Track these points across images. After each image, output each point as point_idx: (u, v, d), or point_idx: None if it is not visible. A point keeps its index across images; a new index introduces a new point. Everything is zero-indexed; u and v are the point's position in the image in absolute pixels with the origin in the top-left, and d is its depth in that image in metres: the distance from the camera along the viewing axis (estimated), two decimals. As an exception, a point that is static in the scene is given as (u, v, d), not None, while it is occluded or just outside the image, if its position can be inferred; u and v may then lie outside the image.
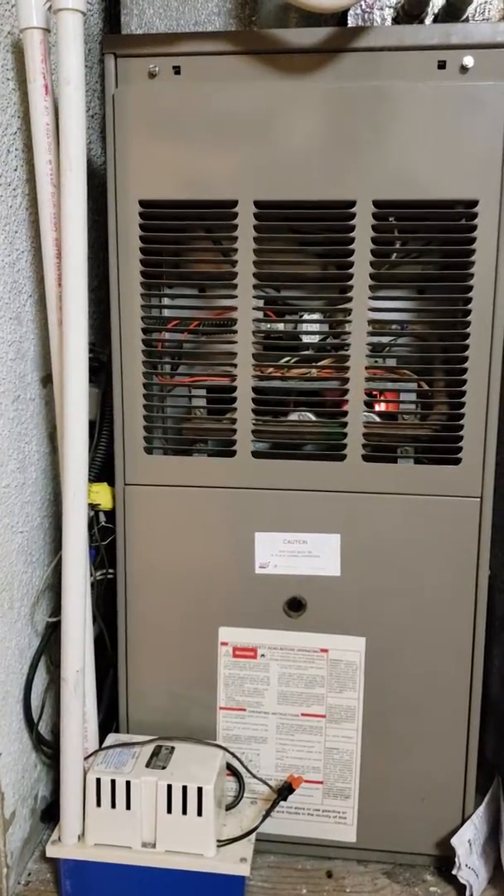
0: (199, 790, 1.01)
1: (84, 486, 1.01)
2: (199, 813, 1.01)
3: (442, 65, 0.97)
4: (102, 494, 1.12)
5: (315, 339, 1.07)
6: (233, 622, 1.11)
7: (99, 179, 1.18)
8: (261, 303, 1.04)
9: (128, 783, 1.03)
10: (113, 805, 1.03)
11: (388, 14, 1.03)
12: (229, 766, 1.12)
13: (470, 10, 1.01)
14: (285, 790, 1.09)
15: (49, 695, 1.17)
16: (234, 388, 1.05)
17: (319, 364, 1.06)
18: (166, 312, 1.10)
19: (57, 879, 1.08)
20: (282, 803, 1.10)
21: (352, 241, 0.99)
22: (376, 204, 0.99)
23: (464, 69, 0.96)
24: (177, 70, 1.01)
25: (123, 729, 1.16)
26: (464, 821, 1.10)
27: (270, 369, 1.06)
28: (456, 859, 1.06)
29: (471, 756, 1.09)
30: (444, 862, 1.11)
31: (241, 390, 1.05)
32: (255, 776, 1.12)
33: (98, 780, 1.03)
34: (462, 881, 1.06)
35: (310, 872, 1.13)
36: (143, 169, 1.02)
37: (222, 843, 1.04)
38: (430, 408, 1.06)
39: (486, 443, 1.02)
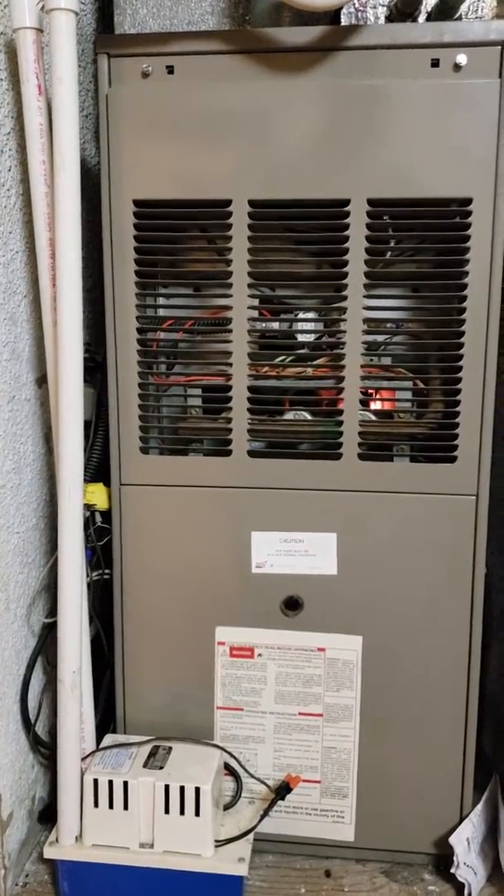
0: (197, 790, 1.01)
1: (79, 486, 1.01)
2: (197, 813, 1.01)
3: (435, 63, 0.96)
4: (98, 495, 1.12)
5: (310, 337, 1.07)
6: (229, 622, 1.11)
7: (93, 180, 1.18)
8: (256, 302, 1.04)
9: (125, 784, 1.02)
10: (110, 806, 1.03)
11: (382, 12, 1.03)
12: (227, 766, 1.12)
13: (463, 8, 1.01)
14: (283, 790, 1.08)
15: (46, 696, 1.17)
16: (229, 388, 1.05)
17: (315, 363, 1.06)
18: (161, 312, 1.10)
19: (55, 880, 1.08)
20: (280, 803, 1.10)
21: (346, 239, 0.99)
22: (370, 202, 0.99)
23: (457, 67, 0.96)
24: (170, 70, 1.01)
25: (121, 729, 1.16)
26: (462, 819, 1.10)
27: (266, 368, 1.06)
28: (454, 858, 1.06)
29: (468, 754, 1.09)
30: (442, 860, 1.11)
31: (237, 389, 1.05)
32: (252, 776, 1.12)
33: (95, 781, 1.03)
34: (460, 880, 1.06)
35: (308, 872, 1.13)
36: (137, 168, 1.02)
37: (220, 843, 1.03)
38: (426, 406, 1.06)
39: (482, 441, 1.02)
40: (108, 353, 1.08)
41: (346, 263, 1.00)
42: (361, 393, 1.03)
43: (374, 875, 1.12)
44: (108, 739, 1.12)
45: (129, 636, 1.14)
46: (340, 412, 1.04)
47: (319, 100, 0.98)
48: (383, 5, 1.02)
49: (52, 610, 1.13)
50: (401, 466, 1.05)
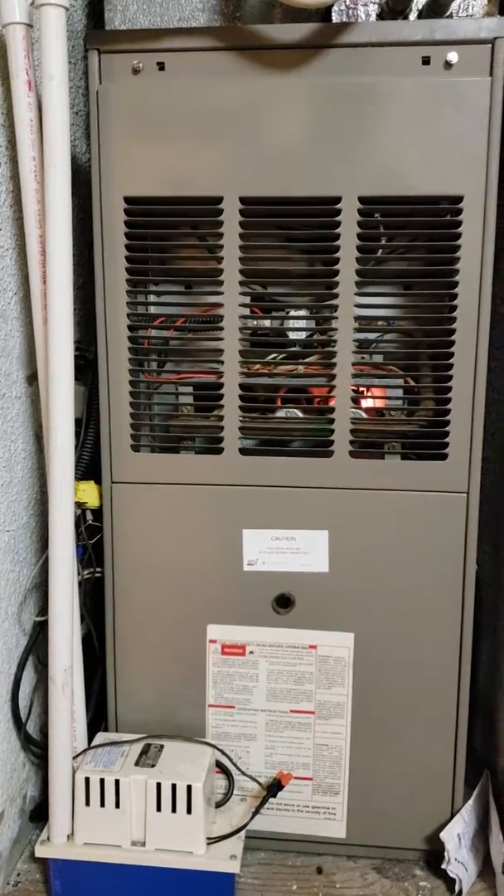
0: (189, 788, 1.01)
1: (70, 483, 1.01)
2: (189, 811, 1.01)
3: (426, 60, 0.97)
4: (89, 492, 1.12)
5: (302, 335, 1.07)
6: (221, 619, 1.11)
7: (84, 177, 1.17)
8: (247, 299, 1.04)
9: (117, 782, 1.02)
10: (102, 804, 1.03)
11: (373, 10, 1.03)
12: (219, 764, 1.12)
13: (453, 6, 1.01)
14: (275, 787, 1.09)
15: (37, 694, 1.17)
16: (220, 385, 1.05)
17: (306, 360, 1.06)
18: (152, 309, 1.10)
19: (46, 879, 1.08)
20: (271, 800, 1.10)
21: (337, 237, 0.99)
22: (362, 200, 0.98)
23: (448, 65, 0.96)
24: (161, 66, 1.01)
25: (112, 728, 1.16)
26: (453, 815, 1.10)
27: (257, 366, 1.06)
28: (445, 853, 1.06)
29: (459, 750, 1.09)
30: (433, 856, 1.11)
31: (228, 387, 1.05)
32: (244, 773, 1.12)
33: (87, 779, 1.03)
34: (451, 875, 1.06)
35: (300, 869, 1.13)
36: (128, 165, 1.02)
37: (212, 841, 1.04)
38: (417, 403, 1.06)
39: (473, 438, 1.02)
40: (99, 351, 1.07)
41: (337, 261, 1.00)
42: (353, 390, 1.03)
43: (366, 871, 1.12)
44: (100, 737, 1.12)
45: (121, 634, 1.13)
46: (332, 410, 1.04)
47: (310, 97, 0.98)
48: (374, 3, 1.02)
49: (44, 608, 1.13)
50: (392, 464, 1.05)
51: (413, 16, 1.03)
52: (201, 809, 1.01)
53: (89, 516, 1.13)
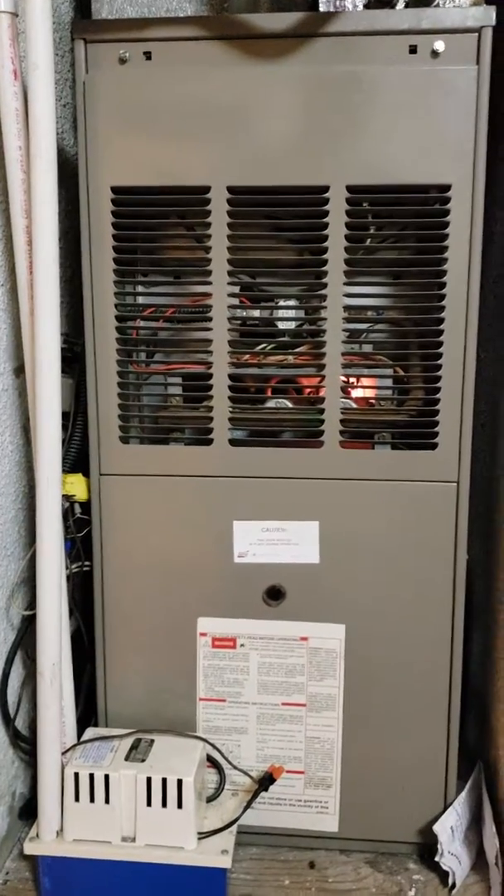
0: (179, 782, 1.00)
1: (58, 476, 1.00)
2: (180, 805, 1.00)
3: (413, 49, 0.96)
4: (77, 485, 1.11)
5: (291, 325, 1.07)
6: (211, 612, 1.10)
7: (72, 169, 1.17)
8: (236, 289, 1.04)
9: (106, 777, 1.01)
10: (92, 799, 1.02)
11: (360, 0, 1.03)
12: (210, 758, 1.11)
13: (440, -4, 1.01)
14: (266, 781, 1.08)
15: (26, 690, 1.16)
16: (210, 376, 1.05)
17: (296, 351, 1.06)
18: (140, 300, 1.09)
19: (36, 877, 1.07)
20: (263, 794, 1.09)
21: (326, 226, 0.99)
22: (350, 189, 0.98)
23: (435, 54, 0.96)
24: (148, 56, 1.00)
25: (102, 723, 1.15)
26: (446, 807, 1.09)
27: (247, 356, 1.06)
28: (438, 846, 1.06)
29: (452, 742, 1.09)
30: (426, 849, 1.10)
31: (218, 378, 1.04)
32: (235, 767, 1.12)
33: (76, 775, 1.02)
34: (445, 868, 1.05)
35: (292, 863, 1.12)
36: (115, 155, 1.01)
37: (203, 836, 1.03)
38: (407, 393, 1.06)
39: (462, 427, 1.02)
40: (87, 342, 1.07)
41: (325, 251, 1.00)
42: (342, 381, 1.03)
43: (359, 866, 1.12)
44: (90, 733, 1.11)
45: (110, 628, 1.12)
46: (321, 400, 1.03)
47: (298, 86, 0.98)
48: (361, -8, 1.03)
49: (32, 602, 1.11)
50: (382, 454, 1.05)
51: (400, 5, 1.03)
52: (192, 804, 1.00)
53: (78, 509, 1.12)
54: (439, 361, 1.01)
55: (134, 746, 1.07)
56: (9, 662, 1.09)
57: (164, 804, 1.01)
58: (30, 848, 1.04)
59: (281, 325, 1.07)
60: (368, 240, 1.04)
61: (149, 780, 1.01)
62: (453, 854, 1.06)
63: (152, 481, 1.08)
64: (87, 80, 1.01)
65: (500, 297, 1.11)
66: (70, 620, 1.11)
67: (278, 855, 1.13)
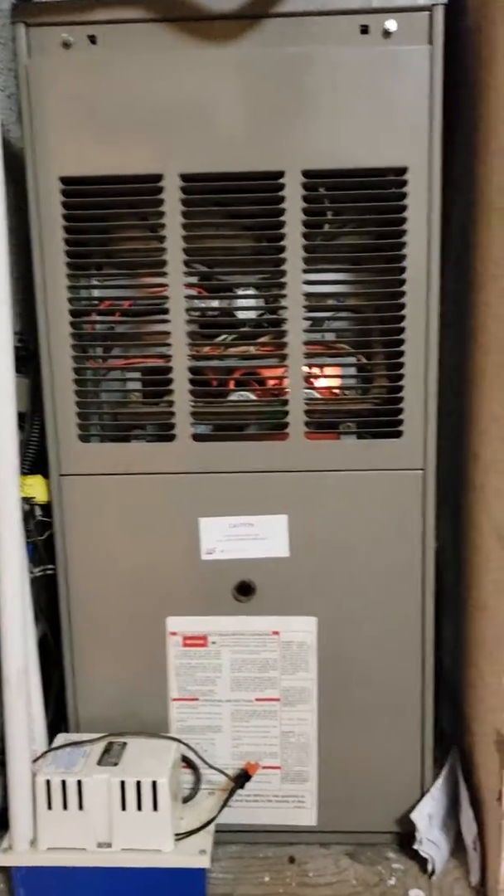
0: (154, 784, 0.98)
1: (15, 478, 0.97)
2: (155, 807, 0.99)
3: (365, 29, 0.94)
4: (37, 487, 1.08)
5: (251, 315, 1.05)
6: (181, 611, 1.08)
7: (18, 163, 1.12)
8: (192, 280, 1.01)
9: (79, 782, 0.99)
10: (65, 806, 1.00)
11: (310, -20, 1.01)
12: (185, 758, 1.10)
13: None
14: (242, 778, 1.06)
15: (-7, 699, 1.13)
16: (169, 370, 1.02)
17: (257, 342, 1.03)
18: (95, 293, 1.06)
19: (10, 889, 1.04)
20: (240, 792, 1.08)
21: (282, 212, 0.97)
22: (305, 174, 0.96)
23: (387, 33, 0.94)
24: (92, 39, 0.97)
25: (73, 728, 1.12)
26: (423, 795, 1.09)
27: (207, 349, 1.03)
28: (416, 834, 1.06)
29: (427, 729, 1.09)
30: (405, 838, 1.10)
31: (178, 371, 1.02)
32: (211, 766, 1.10)
33: (48, 782, 1.00)
34: (424, 855, 1.05)
35: (272, 860, 1.11)
36: (63, 144, 0.98)
37: (180, 837, 1.01)
38: (371, 381, 1.05)
39: (427, 414, 1.01)
40: (41, 338, 1.03)
41: (283, 237, 0.98)
42: (305, 371, 1.01)
43: (339, 858, 1.11)
44: (61, 739, 1.08)
45: (78, 632, 1.10)
46: (285, 391, 1.01)
47: (249, 69, 0.95)
48: (311, -29, 1.00)
49: (-5, 609, 1.08)
50: (348, 444, 1.04)
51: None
52: (167, 805, 0.99)
53: (38, 512, 1.09)
54: (402, 348, 0.99)
55: (106, 750, 1.04)
56: (-26, 671, 1.06)
57: (140, 807, 0.99)
58: (2, 859, 1.02)
59: (240, 315, 1.05)
60: (326, 225, 1.02)
61: (122, 783, 0.99)
62: (432, 841, 1.06)
63: (114, 480, 1.06)
64: (30, 65, 0.97)
65: (460, 281, 1.10)
66: (37, 626, 1.08)
67: (258, 852, 1.12)
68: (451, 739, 1.18)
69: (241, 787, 1.06)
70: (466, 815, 1.06)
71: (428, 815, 1.07)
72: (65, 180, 0.99)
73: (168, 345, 1.01)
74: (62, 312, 1.02)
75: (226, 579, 1.07)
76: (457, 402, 1.12)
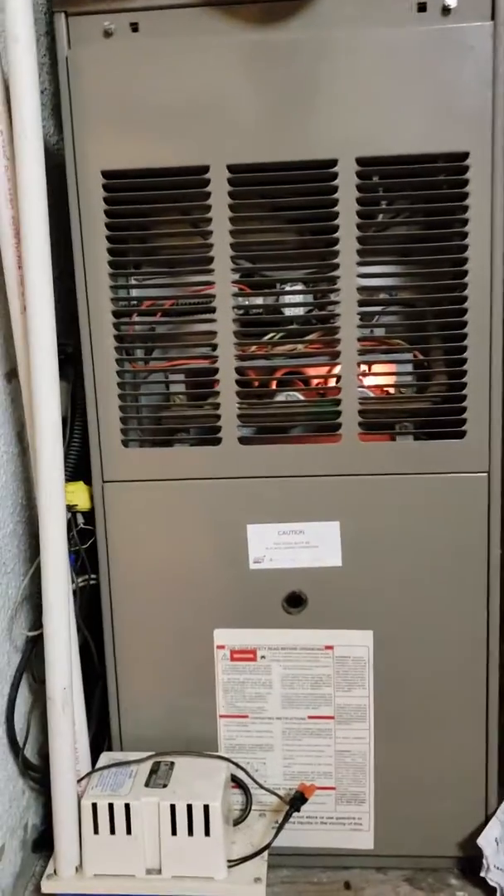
0: (206, 808, 0.93)
1: (60, 486, 0.93)
2: (207, 833, 0.94)
3: (422, 7, 0.89)
4: (79, 494, 1.03)
5: (299, 312, 0.99)
6: (229, 623, 1.03)
7: (55, 160, 1.09)
8: (239, 277, 0.97)
9: (127, 806, 0.94)
10: (112, 831, 0.95)
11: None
12: (234, 778, 1.04)
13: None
14: (298, 800, 1.01)
15: (34, 715, 1.08)
16: (215, 371, 0.97)
17: (307, 339, 0.98)
18: (137, 293, 1.02)
19: (55, 916, 0.99)
20: (293, 814, 1.02)
21: (335, 203, 0.92)
22: (360, 161, 0.91)
23: (446, 10, 0.89)
24: (134, 27, 0.93)
25: (117, 746, 1.07)
26: (488, 818, 1.03)
27: (253, 348, 0.99)
28: (483, 860, 0.99)
29: (491, 748, 1.03)
30: (469, 863, 1.04)
31: (224, 372, 0.97)
32: (262, 787, 1.05)
33: (94, 805, 0.95)
34: (492, 884, 0.99)
35: (326, 885, 1.05)
36: (105, 137, 0.94)
37: (233, 864, 0.96)
38: (428, 378, 0.99)
39: (492, 412, 0.95)
40: (83, 341, 0.99)
41: (335, 229, 0.93)
42: (359, 368, 0.96)
43: (397, 884, 1.05)
44: (105, 758, 1.04)
45: (121, 645, 1.05)
46: (337, 390, 0.96)
47: (300, 51, 0.90)
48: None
49: (36, 622, 1.04)
50: (405, 445, 0.98)
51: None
52: (220, 830, 0.94)
53: (80, 520, 1.05)
54: (464, 343, 0.94)
55: (153, 770, 1.00)
56: (14, 687, 1.02)
57: (191, 832, 0.94)
58: (48, 886, 0.97)
59: (287, 312, 1.00)
60: (381, 216, 0.97)
61: (173, 807, 0.94)
62: (500, 868, 1.00)
63: (158, 486, 1.01)
64: (71, 56, 0.93)
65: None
66: (78, 637, 1.04)
67: (311, 876, 1.07)
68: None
69: (297, 809, 1.01)
70: (536, 840, 1.00)
71: (495, 840, 1.01)
72: (107, 174, 0.95)
73: (214, 345, 0.97)
74: (104, 313, 0.98)
75: (275, 590, 1.02)
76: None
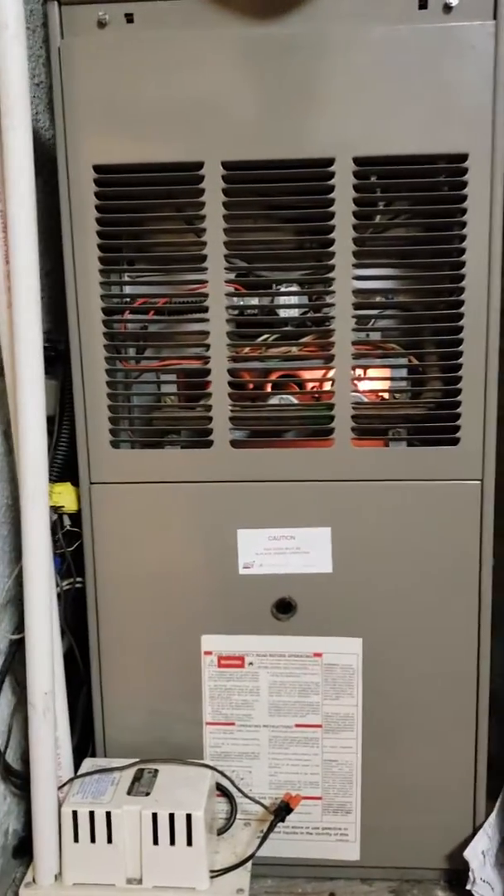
0: (188, 817, 0.91)
1: (44, 486, 0.91)
2: (189, 842, 0.92)
3: (423, 4, 0.88)
4: (66, 495, 1.02)
5: (294, 313, 0.98)
6: (216, 629, 1.01)
7: (46, 154, 1.06)
8: (233, 276, 0.95)
9: (108, 814, 0.92)
10: (92, 839, 0.93)
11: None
12: (219, 786, 1.03)
13: None
14: (283, 811, 0.99)
15: (16, 718, 1.06)
16: (207, 372, 0.95)
17: (301, 341, 0.97)
18: (128, 291, 1.00)
19: (34, 925, 0.98)
20: (278, 823, 1.00)
21: (331, 203, 0.90)
22: (357, 161, 0.89)
23: (447, 8, 0.87)
24: (129, 18, 0.91)
25: (100, 752, 1.06)
26: (475, 829, 1.02)
27: (246, 349, 0.97)
28: (470, 873, 0.98)
29: (480, 759, 1.01)
30: (455, 875, 1.03)
31: (216, 373, 0.95)
32: (247, 796, 1.03)
33: (74, 813, 0.93)
34: (477, 896, 0.98)
35: (311, 896, 1.04)
36: (97, 130, 0.92)
37: (216, 874, 0.94)
38: (423, 384, 0.97)
39: (486, 420, 0.94)
40: (71, 338, 0.97)
41: (331, 230, 0.91)
42: (353, 372, 0.94)
43: (383, 895, 1.03)
44: (87, 764, 1.02)
45: (106, 650, 1.03)
46: (330, 394, 0.94)
47: (299, 47, 0.88)
48: None
49: (19, 625, 1.02)
50: (398, 451, 0.97)
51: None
52: (203, 840, 0.92)
53: (67, 521, 1.03)
54: (460, 348, 0.92)
55: (137, 778, 0.98)
56: (-4, 691, 1.00)
57: (173, 841, 0.92)
58: (26, 894, 0.95)
59: (283, 314, 0.98)
60: (378, 217, 0.95)
61: (154, 815, 0.92)
62: (486, 881, 0.99)
63: (147, 489, 0.99)
64: (63, 46, 0.91)
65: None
66: (62, 641, 1.02)
67: (295, 887, 1.05)
68: None
69: (282, 820, 0.99)
70: (524, 854, 0.98)
71: (482, 853, 0.99)
72: (98, 169, 0.93)
73: (206, 345, 0.95)
74: (94, 310, 0.96)
75: (264, 596, 1.00)
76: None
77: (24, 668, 0.93)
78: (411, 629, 0.99)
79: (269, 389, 0.99)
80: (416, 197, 0.94)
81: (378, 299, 0.97)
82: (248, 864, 0.96)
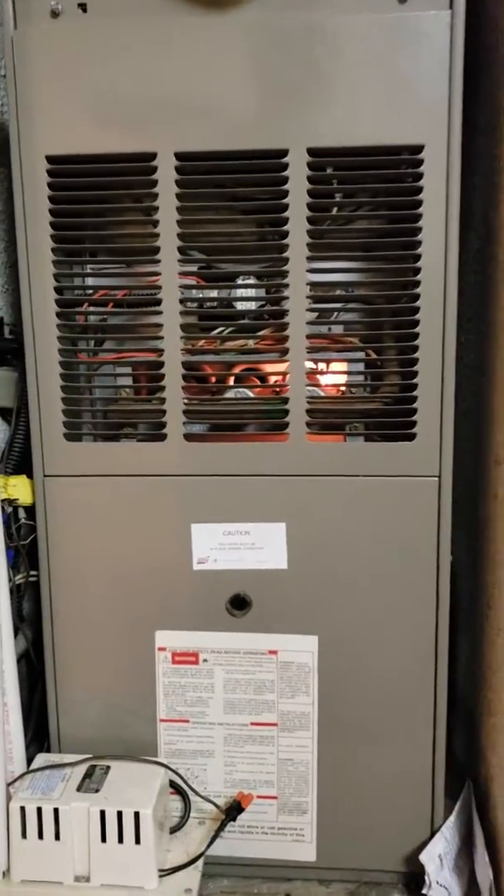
0: (136, 815, 0.90)
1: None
2: (137, 840, 0.91)
3: (379, -8, 0.87)
4: (21, 488, 1.01)
5: (251, 306, 0.97)
6: (171, 625, 1.00)
7: (2, 141, 1.06)
8: (187, 268, 0.94)
9: (56, 810, 0.91)
10: (40, 836, 0.92)
11: None
12: (174, 784, 1.01)
13: None
14: (234, 810, 0.98)
15: (-29, 714, 1.05)
16: (161, 364, 0.94)
17: (257, 335, 0.95)
18: (81, 282, 0.99)
19: (-18, 922, 0.97)
20: (233, 823, 0.99)
21: (285, 195, 0.89)
22: (311, 152, 0.88)
23: (402, -2, 0.86)
24: (83, 7, 0.90)
25: (55, 748, 1.05)
26: (433, 831, 1.00)
27: (202, 342, 0.96)
28: (426, 877, 0.96)
29: (438, 759, 1.00)
30: (413, 878, 1.01)
31: (170, 366, 0.94)
32: (198, 794, 1.02)
33: (23, 809, 0.92)
34: (432, 900, 0.96)
35: (266, 897, 1.03)
36: (50, 120, 0.91)
37: (165, 873, 0.93)
38: (381, 379, 0.96)
39: (443, 416, 0.92)
40: (25, 331, 0.96)
41: (285, 222, 0.90)
42: (309, 366, 0.93)
43: (339, 897, 1.02)
44: (40, 760, 1.01)
45: (61, 644, 1.02)
46: (285, 388, 0.93)
47: (252, 37, 0.87)
48: None
49: (-27, 619, 1.01)
50: (355, 446, 0.95)
51: None
52: (151, 838, 0.91)
53: (22, 514, 1.02)
54: (416, 342, 0.91)
55: (88, 775, 0.97)
56: None
57: (121, 839, 0.91)
58: (-27, 891, 0.94)
59: (239, 307, 0.97)
60: (335, 210, 0.94)
61: (103, 812, 0.91)
62: (442, 885, 0.97)
63: (102, 482, 0.98)
64: (16, 36, 0.90)
65: (482, 273, 1.01)
66: (18, 636, 1.01)
67: (251, 887, 1.04)
68: (465, 769, 1.09)
69: (233, 819, 0.98)
70: (482, 857, 0.96)
71: (438, 857, 0.98)
72: (51, 159, 0.92)
73: (160, 337, 0.94)
74: (48, 302, 0.95)
75: (219, 591, 0.99)
76: (475, 402, 1.03)
77: (-23, 662, 0.93)
78: (368, 627, 0.98)
79: (228, 382, 0.98)
80: (374, 189, 0.93)
81: (338, 292, 0.96)
82: (199, 864, 0.94)
